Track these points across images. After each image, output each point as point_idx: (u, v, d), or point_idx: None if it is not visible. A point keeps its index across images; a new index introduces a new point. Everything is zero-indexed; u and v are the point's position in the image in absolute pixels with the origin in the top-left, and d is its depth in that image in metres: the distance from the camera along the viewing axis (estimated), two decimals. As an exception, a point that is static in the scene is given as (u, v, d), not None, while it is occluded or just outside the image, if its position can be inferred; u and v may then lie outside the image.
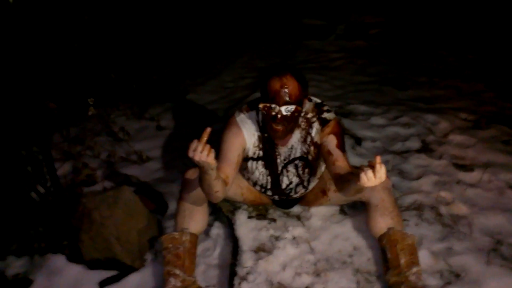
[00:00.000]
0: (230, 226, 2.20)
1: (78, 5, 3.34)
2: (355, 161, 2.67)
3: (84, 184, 2.64)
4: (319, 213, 2.21)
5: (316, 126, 1.87)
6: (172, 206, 2.44)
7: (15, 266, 2.15)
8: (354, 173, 1.56)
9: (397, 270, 1.76)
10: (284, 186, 2.02)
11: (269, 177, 2.00)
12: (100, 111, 3.69)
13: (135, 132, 3.44)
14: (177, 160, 2.97)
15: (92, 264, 2.06)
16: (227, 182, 1.78)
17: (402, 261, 1.76)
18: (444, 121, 3.12)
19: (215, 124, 3.35)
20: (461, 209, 2.21)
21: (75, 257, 2.07)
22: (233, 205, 2.28)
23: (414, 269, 1.75)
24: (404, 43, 5.49)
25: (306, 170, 1.97)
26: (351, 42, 5.81)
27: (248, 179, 2.07)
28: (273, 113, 1.71)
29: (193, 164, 1.58)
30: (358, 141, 2.93)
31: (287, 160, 1.95)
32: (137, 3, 4.93)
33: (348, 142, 2.91)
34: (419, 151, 2.78)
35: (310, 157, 1.93)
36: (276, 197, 2.11)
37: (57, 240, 2.13)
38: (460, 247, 1.97)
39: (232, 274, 1.92)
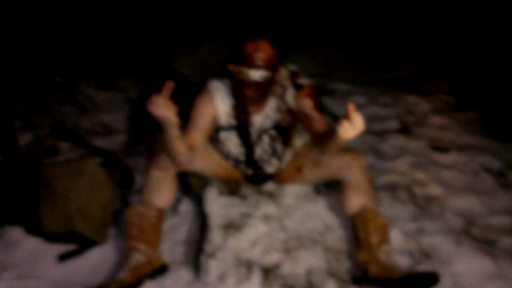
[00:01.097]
0: (199, 203, 2.20)
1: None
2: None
3: (46, 154, 2.59)
4: (292, 191, 2.23)
5: (290, 92, 1.89)
6: (139, 180, 2.43)
7: (-30, 237, 2.11)
8: (333, 128, 1.58)
9: (367, 248, 1.80)
10: (257, 157, 2.03)
11: (242, 148, 2.00)
12: (66, 80, 3.62)
13: (103, 103, 3.38)
14: (146, 133, 2.94)
15: (52, 237, 2.03)
16: (194, 148, 1.80)
17: (373, 239, 1.80)
18: (424, 103, 3.18)
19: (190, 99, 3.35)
20: (435, 190, 2.27)
21: (33, 229, 2.04)
22: (204, 181, 2.27)
23: (384, 248, 1.79)
24: (388, 23, 5.52)
25: (280, 140, 1.98)
26: (336, 19, 5.80)
27: (220, 152, 2.07)
28: (243, 77, 1.70)
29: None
30: (336, 119, 2.95)
31: (261, 130, 1.95)
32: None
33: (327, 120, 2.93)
34: (397, 131, 2.83)
35: (284, 125, 1.94)
36: (250, 171, 2.11)
37: (15, 211, 2.09)
38: (432, 227, 2.03)
39: (199, 250, 1.93)
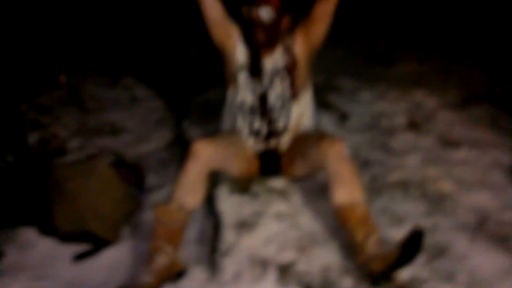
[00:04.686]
0: (210, 202, 2.23)
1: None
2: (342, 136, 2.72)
3: (54, 155, 2.62)
4: (303, 188, 2.27)
5: (292, 34, 2.16)
6: (149, 180, 2.47)
7: (-16, 239, 2.13)
8: None
9: (357, 249, 1.78)
10: (271, 104, 2.16)
11: (256, 91, 2.16)
12: (70, 79, 3.65)
13: (108, 102, 3.41)
14: (153, 132, 2.98)
15: (66, 237, 2.06)
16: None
17: (358, 237, 1.77)
18: (433, 98, 3.20)
19: (195, 96, 3.38)
20: (447, 186, 2.29)
21: (47, 230, 2.07)
22: (215, 180, 2.30)
23: (371, 240, 1.75)
24: (392, 17, 5.52)
25: (289, 80, 2.16)
26: (338, 14, 5.80)
27: (239, 106, 2.19)
28: (253, 17, 2.00)
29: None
30: (344, 116, 2.99)
31: (272, 72, 2.15)
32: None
33: (334, 117, 2.97)
34: (406, 127, 2.86)
35: (289, 66, 2.16)
36: (264, 128, 2.19)
37: (28, 212, 2.12)
38: (446, 224, 2.05)
39: (214, 249, 1.96)
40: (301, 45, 2.15)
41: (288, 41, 2.15)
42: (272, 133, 2.21)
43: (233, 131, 2.24)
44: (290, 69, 2.16)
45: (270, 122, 2.19)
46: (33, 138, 2.81)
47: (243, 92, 2.19)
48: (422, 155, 2.54)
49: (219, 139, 2.05)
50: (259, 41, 2.05)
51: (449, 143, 2.68)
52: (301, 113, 2.23)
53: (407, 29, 5.10)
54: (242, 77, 2.18)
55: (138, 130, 3.03)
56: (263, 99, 2.17)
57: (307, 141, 2.07)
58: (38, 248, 2.03)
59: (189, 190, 1.90)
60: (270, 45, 2.11)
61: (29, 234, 2.08)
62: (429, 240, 1.95)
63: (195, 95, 3.42)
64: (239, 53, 2.16)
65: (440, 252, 1.91)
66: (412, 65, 4.02)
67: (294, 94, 2.18)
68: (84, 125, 3.04)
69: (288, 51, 2.15)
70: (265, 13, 1.98)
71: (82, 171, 2.14)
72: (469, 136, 2.74)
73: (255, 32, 2.03)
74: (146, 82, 3.74)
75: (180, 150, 2.72)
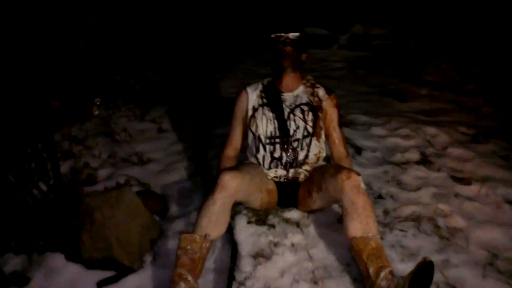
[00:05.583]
0: (229, 231, 2.22)
1: (85, 6, 3.37)
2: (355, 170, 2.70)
3: (85, 184, 2.65)
4: (318, 220, 2.24)
5: (321, 91, 2.27)
6: (172, 209, 2.47)
7: (13, 263, 2.15)
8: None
9: (369, 281, 1.73)
10: (291, 131, 2.19)
11: (276, 122, 2.20)
12: (101, 111, 3.73)
13: (136, 133, 3.47)
14: (177, 163, 3.00)
15: (91, 264, 2.07)
16: (236, 156, 2.36)
17: (371, 270, 1.73)
18: (444, 134, 3.17)
19: (216, 129, 3.41)
20: (458, 222, 2.24)
21: (73, 256, 2.08)
22: (233, 210, 2.30)
23: (383, 274, 1.70)
24: (406, 55, 5.54)
25: (311, 116, 2.21)
26: (354, 52, 5.86)
27: (259, 139, 2.22)
28: (282, 38, 2.13)
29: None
30: (358, 150, 2.97)
31: (293, 105, 2.22)
32: (140, 4, 4.98)
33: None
34: (418, 162, 2.82)
35: (315, 104, 2.23)
36: (285, 157, 2.19)
37: (56, 238, 2.14)
38: (457, 259, 1.99)
39: (231, 279, 1.93)
40: (325, 110, 2.26)
41: (318, 91, 2.26)
42: (292, 163, 2.21)
43: (256, 162, 2.25)
44: (316, 108, 2.23)
45: (290, 150, 2.20)
46: (65, 167, 2.87)
47: (263, 124, 2.22)
48: (433, 190, 2.50)
49: (245, 171, 2.03)
50: (287, 58, 2.14)
51: (460, 178, 2.63)
52: (319, 151, 2.26)
53: (420, 67, 5.11)
54: (259, 113, 2.24)
55: (164, 160, 3.06)
56: (283, 128, 2.20)
57: (324, 173, 2.05)
58: (64, 274, 2.03)
59: (215, 221, 1.89)
60: (294, 69, 2.19)
61: (56, 260, 2.09)
62: (440, 276, 1.90)
63: (217, 127, 3.45)
64: (252, 97, 2.28)
65: (451, 288, 1.85)
66: (424, 101, 4.01)
67: (315, 130, 2.21)
68: (113, 155, 3.08)
69: (318, 97, 2.25)
70: (292, 35, 2.14)
71: (110, 200, 2.16)
72: (479, 172, 2.69)
73: (284, 50, 2.13)
74: (171, 115, 3.80)
75: (201, 181, 2.74)
